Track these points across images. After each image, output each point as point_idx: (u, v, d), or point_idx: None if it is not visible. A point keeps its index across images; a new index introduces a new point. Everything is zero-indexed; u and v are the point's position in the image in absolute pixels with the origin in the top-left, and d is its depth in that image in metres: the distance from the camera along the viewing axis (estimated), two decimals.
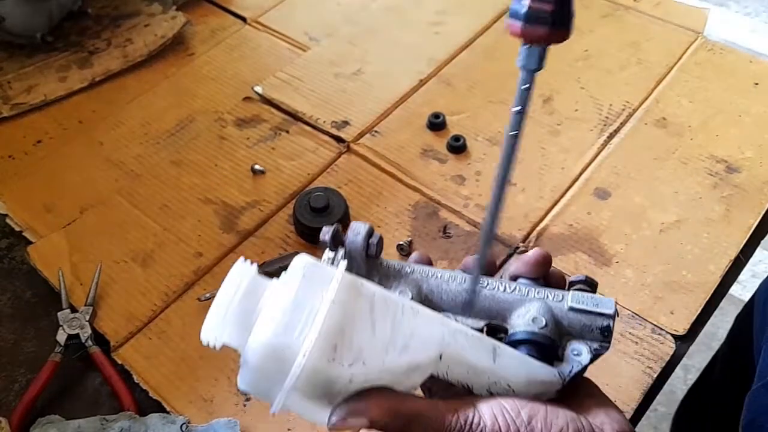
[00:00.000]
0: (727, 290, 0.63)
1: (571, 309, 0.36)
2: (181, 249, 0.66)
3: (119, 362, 0.59)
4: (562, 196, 0.69)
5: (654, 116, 0.76)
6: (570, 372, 0.35)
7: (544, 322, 0.36)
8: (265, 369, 0.31)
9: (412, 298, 0.37)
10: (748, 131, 0.74)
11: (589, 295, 0.37)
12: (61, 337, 0.59)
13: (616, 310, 0.37)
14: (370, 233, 0.38)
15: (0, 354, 0.61)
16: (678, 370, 0.61)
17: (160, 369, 0.58)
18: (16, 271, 0.67)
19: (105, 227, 0.69)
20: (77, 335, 0.59)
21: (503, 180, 0.34)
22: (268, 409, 0.56)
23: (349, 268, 0.36)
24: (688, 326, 0.59)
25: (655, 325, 0.59)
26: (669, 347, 0.57)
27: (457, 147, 0.73)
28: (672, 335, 0.58)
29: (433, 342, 0.33)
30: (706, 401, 0.79)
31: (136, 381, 0.57)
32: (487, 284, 0.38)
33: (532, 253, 0.39)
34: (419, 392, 0.37)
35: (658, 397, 0.58)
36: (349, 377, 0.31)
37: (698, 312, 0.60)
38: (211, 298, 0.61)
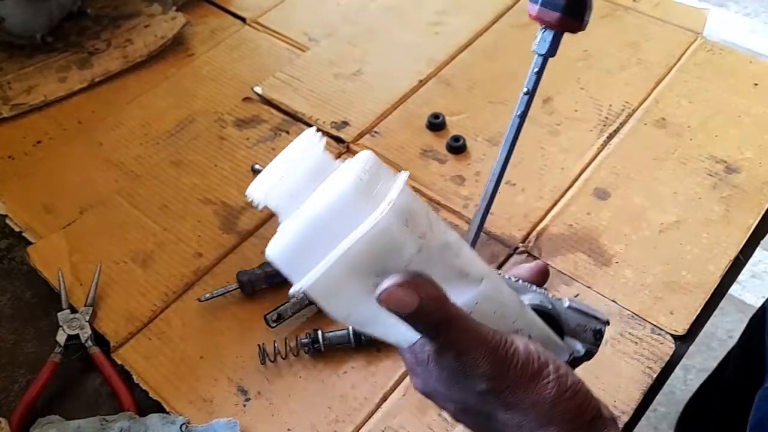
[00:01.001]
0: (727, 290, 0.63)
1: (570, 308, 0.37)
2: (181, 249, 0.66)
3: (119, 363, 0.59)
4: (561, 197, 0.69)
5: (653, 116, 0.76)
6: (578, 351, 0.37)
7: (550, 306, 0.37)
8: (324, 226, 0.28)
9: None
10: (748, 132, 0.74)
11: (584, 303, 0.38)
12: (61, 337, 0.59)
13: (608, 320, 0.38)
14: None
15: (0, 354, 0.61)
16: (677, 371, 0.61)
17: (160, 369, 0.58)
18: (15, 272, 0.67)
19: (105, 228, 0.69)
20: (77, 336, 0.59)
21: (506, 159, 0.35)
22: (268, 409, 0.56)
23: None
24: (687, 326, 0.59)
25: (654, 326, 0.59)
26: (669, 347, 0.57)
27: (457, 147, 0.73)
28: (671, 335, 0.58)
29: (477, 265, 0.32)
30: (715, 402, 0.79)
31: (135, 381, 0.57)
32: (493, 271, 0.38)
33: (535, 263, 0.40)
34: None
35: (657, 397, 0.58)
36: (418, 247, 0.28)
37: (698, 312, 0.60)
38: (211, 298, 0.61)
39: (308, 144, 0.30)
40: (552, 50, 0.36)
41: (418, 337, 0.32)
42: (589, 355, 0.37)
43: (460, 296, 0.31)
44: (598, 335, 0.37)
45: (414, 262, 0.29)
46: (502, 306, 0.33)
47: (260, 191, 0.29)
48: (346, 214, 0.28)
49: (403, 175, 0.30)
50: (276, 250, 0.29)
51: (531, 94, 0.36)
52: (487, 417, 0.33)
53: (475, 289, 0.32)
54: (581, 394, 0.32)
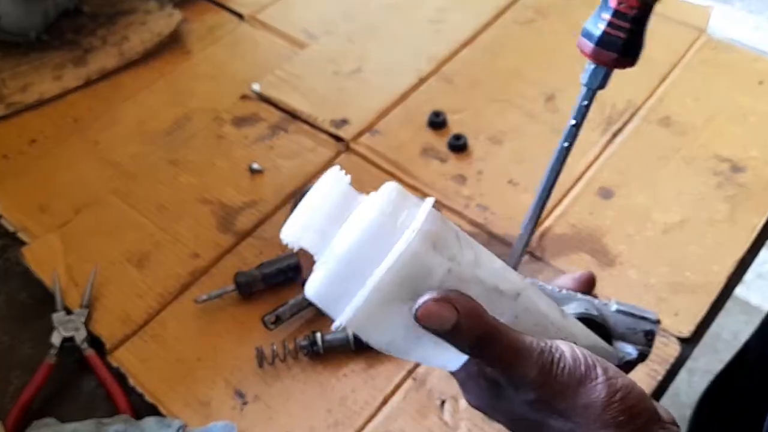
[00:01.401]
0: (732, 291, 0.62)
1: (618, 311, 0.37)
2: (178, 250, 0.66)
3: (114, 365, 0.58)
4: (565, 196, 0.68)
5: (658, 115, 0.75)
6: (630, 354, 0.36)
7: (596, 312, 0.37)
8: (356, 259, 0.29)
9: None
10: (753, 130, 0.73)
11: (631, 304, 0.38)
12: (56, 339, 0.58)
13: (659, 319, 0.38)
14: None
15: None
16: (682, 373, 0.61)
17: (156, 372, 0.58)
18: (10, 273, 0.66)
19: (100, 228, 0.68)
20: (72, 337, 0.59)
21: (550, 186, 0.34)
22: (266, 412, 0.55)
23: None
24: (692, 328, 0.58)
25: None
26: (674, 349, 0.57)
27: (458, 146, 0.72)
28: (676, 337, 0.57)
29: (513, 280, 0.33)
30: (728, 403, 0.78)
31: (131, 384, 0.57)
32: (534, 281, 0.38)
33: (583, 273, 0.40)
34: None
35: (662, 399, 0.57)
36: (448, 269, 0.29)
37: (703, 314, 0.59)
38: (208, 299, 0.61)
39: (333, 181, 0.31)
40: (602, 85, 0.35)
41: (462, 361, 0.32)
42: (642, 356, 0.37)
43: (497, 313, 0.32)
44: (650, 336, 0.37)
45: (446, 284, 0.30)
46: (543, 317, 0.33)
47: (292, 234, 0.30)
48: (373, 246, 0.29)
49: (429, 201, 0.31)
50: (313, 290, 0.30)
51: (578, 125, 0.36)
52: (539, 426, 0.33)
53: (512, 304, 0.32)
54: (633, 395, 0.31)
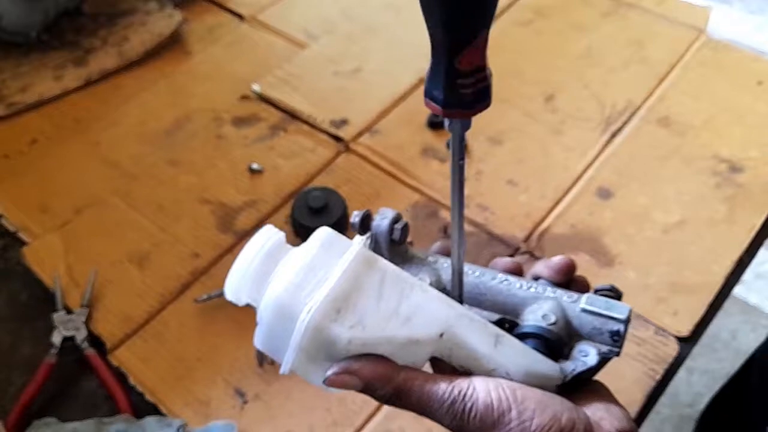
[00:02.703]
0: (731, 291, 0.62)
1: (583, 310, 0.37)
2: (178, 250, 0.66)
3: (115, 364, 0.58)
4: (564, 196, 0.68)
5: (657, 115, 0.75)
6: (573, 370, 0.36)
7: (553, 319, 0.36)
8: (275, 326, 0.33)
9: (430, 284, 0.37)
10: (752, 130, 0.73)
11: (605, 299, 0.37)
12: (57, 338, 0.59)
13: (629, 316, 0.37)
14: (396, 219, 0.39)
15: None
16: (681, 372, 0.61)
17: (157, 371, 0.58)
18: (11, 273, 0.66)
19: (101, 228, 0.68)
20: (73, 337, 0.59)
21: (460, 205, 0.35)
22: (266, 411, 0.56)
23: (375, 251, 0.37)
24: (691, 328, 0.58)
25: (658, 327, 0.58)
26: (672, 349, 0.57)
27: None
28: (675, 337, 0.58)
29: (437, 320, 0.34)
30: (738, 407, 0.79)
31: (132, 383, 0.57)
32: (506, 280, 0.39)
33: (558, 259, 0.39)
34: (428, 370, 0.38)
35: (661, 399, 0.57)
36: (348, 339, 0.32)
37: (702, 313, 0.59)
38: (208, 299, 0.61)
39: (264, 235, 0.34)
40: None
41: None
42: (605, 359, 0.36)
43: (418, 358, 0.34)
44: (616, 336, 0.36)
45: (351, 350, 0.33)
46: (473, 351, 0.35)
47: (232, 293, 0.34)
48: (284, 318, 0.32)
49: (346, 258, 0.33)
50: (258, 342, 0.34)
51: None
52: None
53: (434, 346, 0.34)
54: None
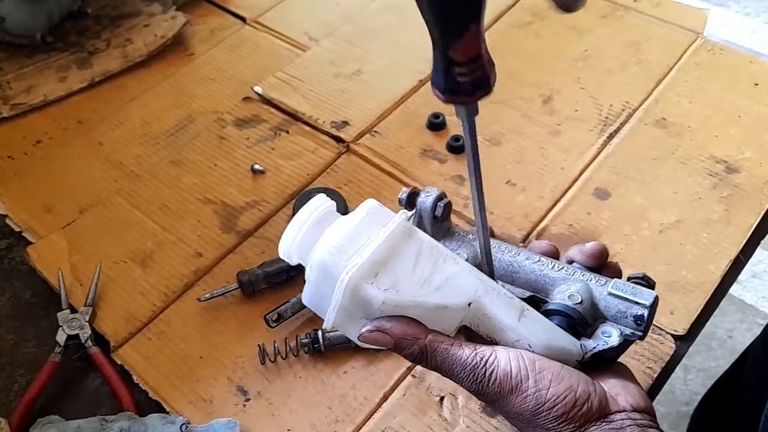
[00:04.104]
0: (727, 290, 0.63)
1: (610, 294, 0.38)
2: (181, 249, 0.66)
3: (119, 362, 0.59)
4: (562, 196, 0.69)
5: (654, 116, 0.76)
6: (594, 348, 0.37)
7: (579, 299, 0.38)
8: (320, 284, 0.36)
9: (466, 260, 0.40)
10: (748, 131, 0.74)
11: (632, 285, 0.39)
12: (61, 337, 0.59)
13: (654, 303, 0.38)
14: (440, 197, 0.42)
15: (0, 354, 0.60)
16: (678, 371, 0.61)
17: (160, 369, 0.58)
18: (15, 272, 0.66)
19: (104, 227, 0.69)
20: (77, 336, 0.59)
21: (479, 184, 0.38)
22: (268, 409, 0.56)
23: (418, 226, 0.41)
24: (688, 326, 0.59)
25: (654, 325, 0.59)
26: (669, 347, 0.57)
27: (457, 147, 0.73)
28: (672, 335, 0.58)
29: (466, 290, 0.37)
30: (731, 404, 0.79)
31: (135, 381, 0.57)
32: (539, 261, 0.41)
33: (591, 245, 0.41)
34: None
35: (658, 397, 0.58)
36: (383, 300, 0.35)
37: (698, 312, 0.60)
38: (211, 298, 0.61)
39: (316, 203, 0.38)
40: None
41: None
42: (627, 342, 0.38)
43: (446, 323, 0.37)
44: (639, 320, 0.38)
45: (384, 311, 0.36)
46: (498, 322, 0.37)
47: (283, 252, 0.38)
48: (328, 278, 0.35)
49: (383, 233, 0.36)
50: (305, 299, 0.38)
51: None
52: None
53: (462, 313, 0.37)
54: (563, 404, 0.34)
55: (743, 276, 0.64)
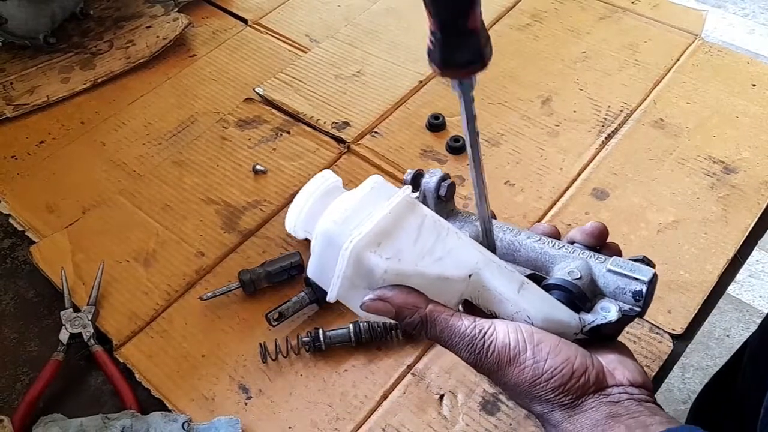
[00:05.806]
0: (725, 290, 0.63)
1: (609, 270, 0.39)
2: (183, 249, 0.67)
3: (121, 361, 0.59)
4: (560, 197, 0.70)
5: (652, 117, 0.76)
6: (592, 322, 0.38)
7: (579, 275, 0.39)
8: (324, 255, 0.36)
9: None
10: (746, 132, 0.74)
11: (631, 262, 0.39)
12: (64, 336, 0.60)
13: (653, 279, 0.39)
14: (444, 178, 0.43)
15: (3, 353, 0.61)
16: (675, 369, 0.62)
17: (162, 368, 0.59)
18: (18, 271, 0.67)
19: (107, 227, 0.69)
20: (80, 334, 0.60)
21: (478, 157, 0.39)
22: (269, 407, 0.57)
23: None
24: (685, 325, 0.59)
25: (653, 324, 0.59)
26: (667, 346, 0.58)
27: (457, 148, 0.74)
28: (670, 334, 0.59)
29: (467, 262, 0.37)
30: (727, 402, 0.80)
31: (138, 380, 0.58)
32: (539, 240, 0.41)
33: (591, 224, 0.42)
34: None
35: (656, 395, 0.58)
36: (385, 269, 0.36)
37: (696, 311, 0.60)
38: (213, 297, 0.62)
39: (321, 178, 0.38)
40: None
41: None
42: (626, 317, 0.38)
43: (447, 294, 0.37)
44: (638, 296, 0.38)
45: (387, 280, 0.36)
46: (498, 294, 0.37)
47: (289, 225, 0.38)
48: (332, 248, 0.36)
49: (387, 206, 0.36)
50: (310, 271, 0.38)
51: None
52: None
53: (463, 285, 0.37)
54: (560, 376, 0.35)
55: (741, 276, 0.64)
